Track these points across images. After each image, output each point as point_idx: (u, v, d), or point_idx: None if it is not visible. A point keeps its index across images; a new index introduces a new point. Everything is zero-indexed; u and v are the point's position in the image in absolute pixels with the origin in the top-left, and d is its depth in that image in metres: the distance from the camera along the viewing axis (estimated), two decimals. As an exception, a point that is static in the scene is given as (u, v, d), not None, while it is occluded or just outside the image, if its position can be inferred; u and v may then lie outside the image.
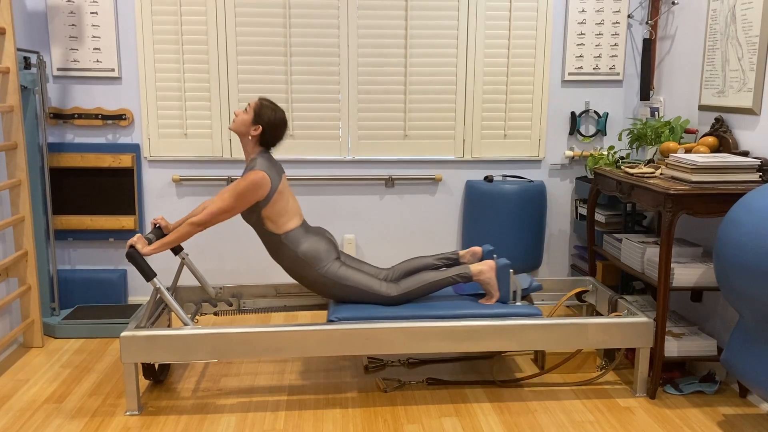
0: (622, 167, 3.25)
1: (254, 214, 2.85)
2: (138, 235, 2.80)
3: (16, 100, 3.25)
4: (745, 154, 2.94)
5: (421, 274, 2.93)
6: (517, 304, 2.93)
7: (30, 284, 3.40)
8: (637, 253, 3.10)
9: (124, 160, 3.81)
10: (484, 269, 2.91)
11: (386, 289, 2.89)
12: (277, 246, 2.88)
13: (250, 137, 2.85)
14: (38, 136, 3.58)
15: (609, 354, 3.24)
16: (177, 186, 3.93)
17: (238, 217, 3.74)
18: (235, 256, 4.03)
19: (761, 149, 2.87)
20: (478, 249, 3.06)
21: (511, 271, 2.92)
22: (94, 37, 3.74)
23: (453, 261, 3.06)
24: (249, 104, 2.86)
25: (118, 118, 3.81)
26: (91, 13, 3.72)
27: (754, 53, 2.89)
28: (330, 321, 2.81)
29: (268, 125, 2.83)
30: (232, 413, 2.79)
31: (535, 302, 3.46)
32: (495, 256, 3.02)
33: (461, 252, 3.08)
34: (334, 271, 2.87)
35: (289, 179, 3.94)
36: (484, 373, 3.16)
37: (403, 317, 2.82)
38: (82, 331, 3.57)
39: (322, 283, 2.89)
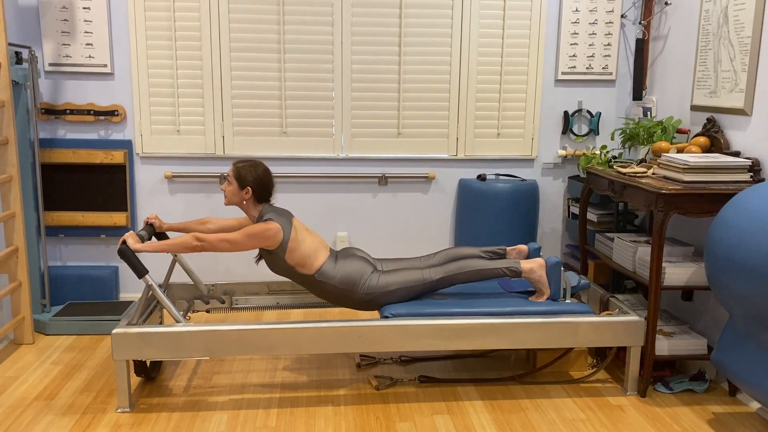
0: (614, 167, 3.26)
1: (281, 266, 2.87)
2: (130, 232, 2.80)
3: (8, 95, 3.23)
4: (737, 154, 2.95)
5: (469, 261, 2.94)
6: (567, 301, 2.95)
7: (21, 280, 3.38)
8: (628, 252, 3.12)
9: (116, 157, 3.79)
10: (535, 267, 2.93)
11: (428, 274, 2.91)
12: (314, 285, 2.90)
13: (245, 202, 2.89)
14: (29, 131, 3.56)
15: (600, 352, 3.26)
16: (169, 182, 3.92)
17: (232, 212, 3.75)
18: (228, 253, 4.02)
19: (752, 149, 2.89)
20: (524, 247, 3.08)
21: (562, 269, 2.94)
22: (86, 32, 3.72)
23: (500, 255, 3.07)
24: (228, 175, 2.88)
25: (110, 114, 3.79)
26: (84, 8, 3.70)
27: (746, 54, 2.90)
28: (384, 317, 2.83)
29: (254, 183, 2.86)
30: (224, 410, 2.79)
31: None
32: (541, 254, 3.05)
33: (508, 248, 3.09)
34: (374, 285, 2.89)
35: (282, 177, 3.93)
36: (475, 372, 3.17)
37: (454, 314, 2.83)
38: (73, 327, 3.56)
39: (370, 301, 2.91)
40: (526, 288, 3.11)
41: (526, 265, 2.93)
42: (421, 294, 2.95)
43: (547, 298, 2.95)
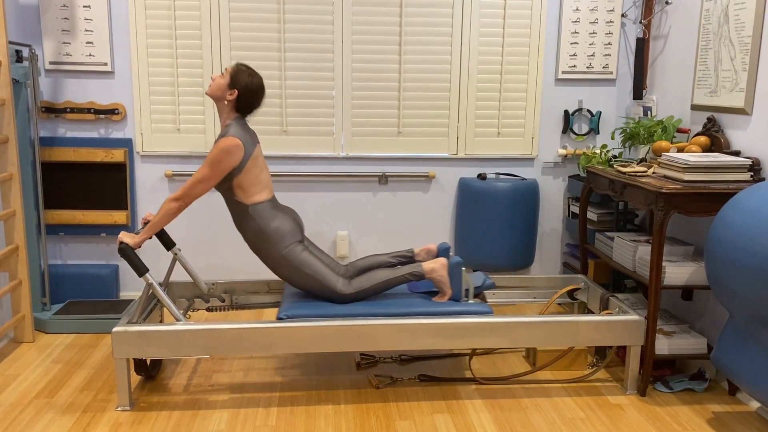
0: (614, 166, 3.26)
1: (226, 182, 2.81)
2: (123, 231, 2.79)
3: (8, 93, 3.23)
4: (737, 153, 2.95)
5: (374, 273, 2.92)
6: (470, 302, 2.92)
7: (21, 279, 3.39)
8: (628, 251, 3.12)
9: (117, 155, 3.80)
10: (436, 267, 2.90)
11: (341, 285, 2.87)
12: (243, 216, 2.84)
13: (225, 102, 2.82)
14: (30, 130, 3.56)
15: (600, 352, 3.26)
16: (170, 181, 3.92)
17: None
18: (228, 252, 4.02)
19: (753, 149, 2.89)
20: (432, 246, 3.06)
21: (464, 269, 2.92)
22: (86, 30, 3.72)
23: (408, 259, 3.05)
24: (226, 69, 2.83)
25: (110, 112, 3.80)
26: (84, 6, 3.70)
27: (747, 53, 2.90)
28: (279, 319, 2.79)
29: (244, 89, 2.80)
30: (224, 409, 2.79)
31: (525, 300, 3.48)
32: (451, 254, 3.01)
33: (416, 250, 3.08)
34: (296, 255, 2.84)
35: (282, 176, 3.93)
36: (475, 371, 3.17)
37: (354, 315, 2.80)
38: (74, 326, 3.56)
39: (281, 264, 2.85)
40: (431, 288, 3.07)
41: (427, 265, 2.90)
42: (327, 299, 2.91)
43: (449, 299, 2.93)
